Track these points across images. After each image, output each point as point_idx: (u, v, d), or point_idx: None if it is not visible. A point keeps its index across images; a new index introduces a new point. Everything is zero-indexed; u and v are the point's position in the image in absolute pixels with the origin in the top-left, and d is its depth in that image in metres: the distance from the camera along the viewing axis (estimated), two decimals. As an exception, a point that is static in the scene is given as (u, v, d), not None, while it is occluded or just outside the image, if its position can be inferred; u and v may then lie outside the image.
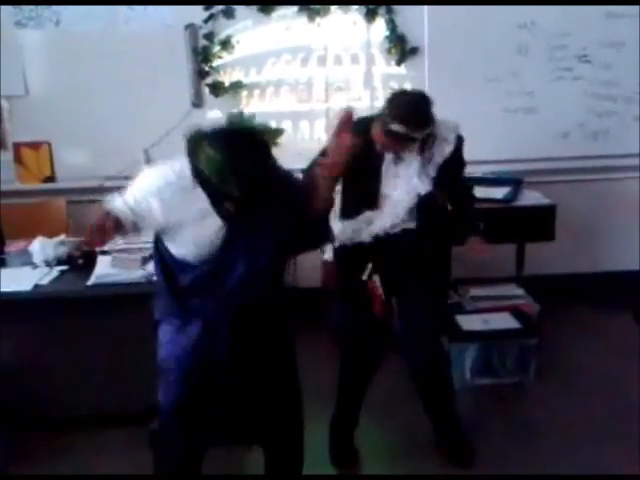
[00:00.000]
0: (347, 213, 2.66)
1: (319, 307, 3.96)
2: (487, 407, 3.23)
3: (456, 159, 2.67)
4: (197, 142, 1.99)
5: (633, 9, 4.03)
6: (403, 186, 2.60)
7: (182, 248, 2.08)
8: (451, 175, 2.65)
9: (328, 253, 2.81)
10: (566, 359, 3.63)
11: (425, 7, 4.01)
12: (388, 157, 2.59)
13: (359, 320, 2.72)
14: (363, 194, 2.63)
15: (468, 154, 4.24)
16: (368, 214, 2.63)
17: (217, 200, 2.03)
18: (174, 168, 2.06)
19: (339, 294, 2.84)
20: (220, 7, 3.98)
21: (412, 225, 2.65)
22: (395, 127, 2.43)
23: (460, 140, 2.66)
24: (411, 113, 2.48)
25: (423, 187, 2.59)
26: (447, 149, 2.60)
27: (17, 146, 4.15)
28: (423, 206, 2.63)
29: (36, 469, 2.85)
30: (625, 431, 2.95)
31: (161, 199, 2.01)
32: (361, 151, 2.52)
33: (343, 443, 2.89)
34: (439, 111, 4.11)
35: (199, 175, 1.99)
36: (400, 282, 2.70)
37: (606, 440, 2.91)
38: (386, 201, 2.62)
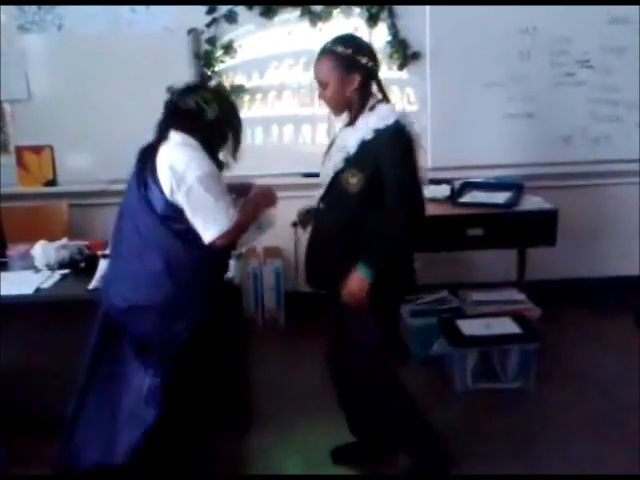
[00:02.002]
0: None
1: (320, 311, 3.97)
2: (488, 412, 3.23)
3: (377, 152, 2.34)
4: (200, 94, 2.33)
5: (635, 15, 4.05)
6: (329, 162, 2.50)
7: None
8: (374, 160, 2.33)
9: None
10: (567, 364, 3.63)
11: (427, 12, 4.02)
12: (338, 139, 2.53)
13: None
14: None
15: (470, 159, 4.26)
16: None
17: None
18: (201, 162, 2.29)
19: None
20: (222, 12, 3.99)
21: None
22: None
23: (388, 132, 2.33)
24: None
25: (333, 164, 2.43)
26: (372, 122, 2.34)
27: (19, 149, 4.16)
28: (333, 187, 2.43)
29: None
30: (626, 435, 2.95)
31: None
32: None
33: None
34: (441, 116, 4.13)
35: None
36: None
37: (607, 444, 2.90)
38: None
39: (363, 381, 2.58)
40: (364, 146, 2.36)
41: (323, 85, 2.45)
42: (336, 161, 2.43)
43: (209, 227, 2.24)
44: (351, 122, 2.48)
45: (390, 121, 2.34)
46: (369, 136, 2.35)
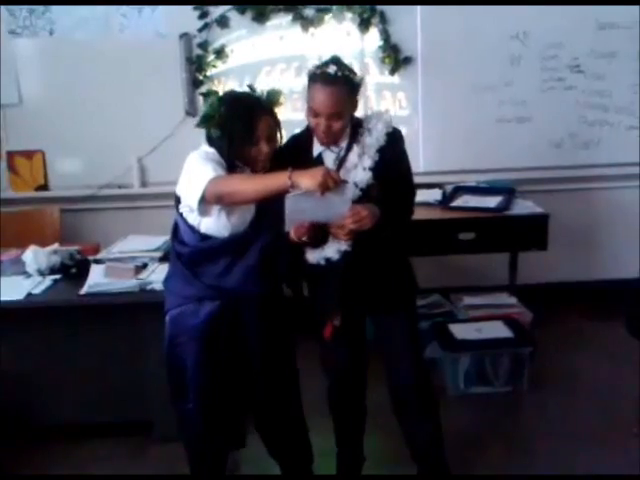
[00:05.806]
0: None
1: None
2: (481, 416, 3.23)
3: (392, 152, 2.34)
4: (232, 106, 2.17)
5: (625, 20, 4.07)
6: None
7: (219, 223, 2.17)
8: (388, 169, 2.31)
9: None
10: (559, 368, 3.64)
11: (419, 17, 4.03)
12: (327, 160, 2.34)
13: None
14: None
15: (461, 163, 4.27)
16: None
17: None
18: (202, 151, 2.19)
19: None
20: (215, 16, 4.00)
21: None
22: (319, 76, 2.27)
23: (396, 132, 2.37)
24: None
25: (362, 178, 2.26)
26: (380, 139, 2.31)
27: (11, 155, 4.15)
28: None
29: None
30: (618, 439, 2.95)
31: (216, 169, 2.10)
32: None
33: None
34: (432, 120, 4.14)
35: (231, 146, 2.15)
36: (366, 303, 2.47)
37: (599, 448, 2.91)
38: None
39: (427, 387, 2.61)
40: (380, 152, 2.31)
41: (335, 117, 2.22)
42: (363, 178, 2.28)
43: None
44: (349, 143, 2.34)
45: (392, 123, 2.36)
46: (384, 142, 2.32)
